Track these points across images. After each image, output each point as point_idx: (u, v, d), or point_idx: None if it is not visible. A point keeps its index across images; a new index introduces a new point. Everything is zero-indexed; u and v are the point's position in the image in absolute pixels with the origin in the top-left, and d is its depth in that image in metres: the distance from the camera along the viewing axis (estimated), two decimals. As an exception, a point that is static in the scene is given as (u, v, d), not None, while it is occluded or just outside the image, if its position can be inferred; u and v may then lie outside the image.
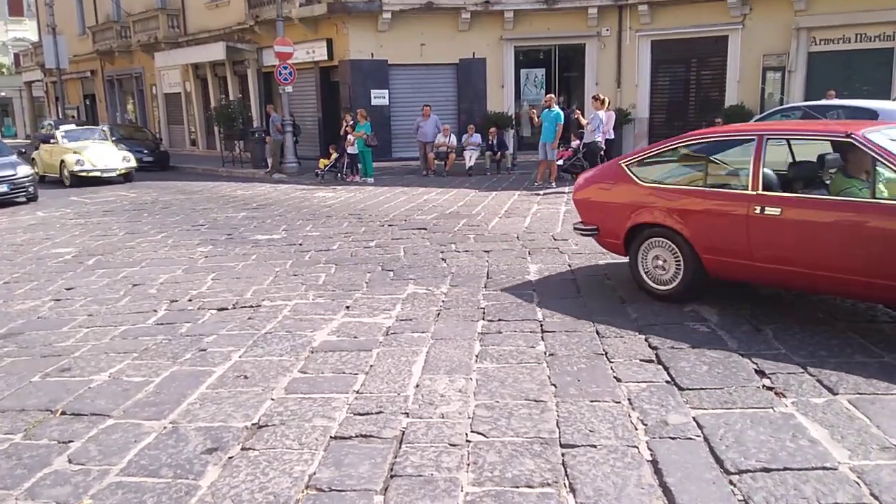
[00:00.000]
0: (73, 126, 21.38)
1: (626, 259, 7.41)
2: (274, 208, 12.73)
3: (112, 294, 6.88)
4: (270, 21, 20.60)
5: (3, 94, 49.16)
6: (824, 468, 3.16)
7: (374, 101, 20.05)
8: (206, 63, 26.40)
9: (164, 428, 3.80)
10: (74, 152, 18.09)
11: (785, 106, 14.77)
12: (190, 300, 6.51)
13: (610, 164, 6.59)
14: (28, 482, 3.30)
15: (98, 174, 17.98)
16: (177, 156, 25.41)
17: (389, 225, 10.34)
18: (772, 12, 18.34)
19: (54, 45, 28.32)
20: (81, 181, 17.79)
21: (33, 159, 19.50)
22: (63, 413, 4.07)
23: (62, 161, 18.14)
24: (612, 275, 6.82)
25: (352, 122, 17.30)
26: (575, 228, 6.72)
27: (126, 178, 18.56)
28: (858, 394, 3.91)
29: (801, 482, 3.05)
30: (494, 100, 20.80)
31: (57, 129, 20.28)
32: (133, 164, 18.78)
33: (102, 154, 18.43)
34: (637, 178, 6.02)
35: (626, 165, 6.18)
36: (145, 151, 21.95)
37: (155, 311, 6.20)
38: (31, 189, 14.95)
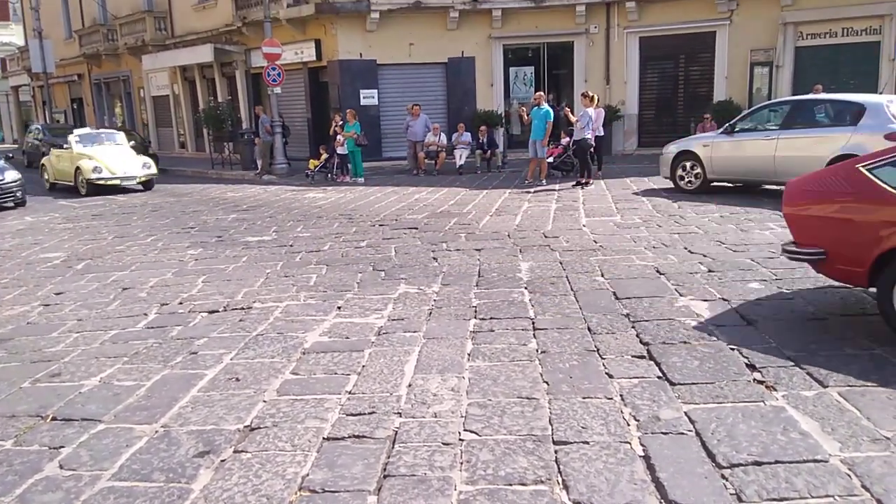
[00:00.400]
0: (87, 130, 20.41)
1: (618, 255, 7.48)
2: (264, 210, 12.69)
3: (102, 298, 6.84)
4: (258, 22, 20.52)
5: (-11, 98, 48.88)
6: (815, 461, 3.17)
7: (363, 101, 20.05)
8: (194, 65, 26.31)
9: (156, 432, 3.79)
10: (91, 158, 16.53)
11: (773, 101, 14.87)
12: (180, 303, 6.48)
13: (841, 168, 5.17)
14: (19, 489, 3.28)
15: (117, 182, 16.47)
16: (166, 159, 25.29)
17: (380, 225, 10.33)
18: (759, 7, 18.47)
19: (41, 50, 28.23)
20: (99, 190, 16.36)
21: (43, 165, 18.90)
22: (54, 419, 4.04)
23: (77, 168, 16.56)
24: (603, 271, 6.83)
25: (341, 123, 17.27)
26: (785, 251, 5.35)
27: (146, 186, 17.00)
28: (849, 386, 3.93)
29: (793, 475, 3.06)
30: (484, 98, 20.82)
31: (45, 133, 19.93)
32: (154, 170, 17.23)
33: (121, 160, 16.84)
34: (891, 186, 4.63)
35: (870, 169, 4.77)
36: (134, 155, 21.71)
37: (145, 314, 6.16)
38: (18, 194, 14.81)
